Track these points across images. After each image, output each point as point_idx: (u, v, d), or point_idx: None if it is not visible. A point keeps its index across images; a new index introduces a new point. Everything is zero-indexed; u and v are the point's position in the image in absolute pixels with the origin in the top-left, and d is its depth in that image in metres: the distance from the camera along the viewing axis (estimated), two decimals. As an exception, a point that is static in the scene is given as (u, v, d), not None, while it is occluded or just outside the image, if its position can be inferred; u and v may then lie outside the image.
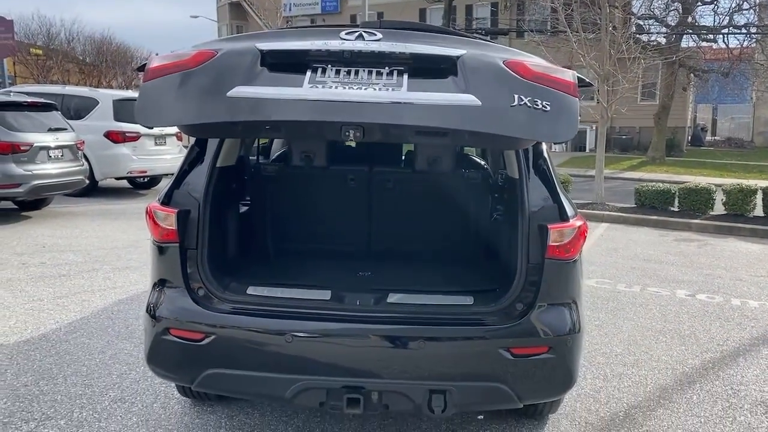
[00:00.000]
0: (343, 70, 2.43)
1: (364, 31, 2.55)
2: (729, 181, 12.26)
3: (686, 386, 4.15)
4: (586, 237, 2.92)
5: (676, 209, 11.83)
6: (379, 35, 2.53)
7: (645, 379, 4.25)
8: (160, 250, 2.84)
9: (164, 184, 3.09)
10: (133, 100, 12.43)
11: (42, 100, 9.86)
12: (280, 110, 2.36)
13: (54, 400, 3.65)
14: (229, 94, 2.38)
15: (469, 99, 2.36)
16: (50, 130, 9.39)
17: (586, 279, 6.96)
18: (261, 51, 2.48)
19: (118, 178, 12.52)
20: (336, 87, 2.36)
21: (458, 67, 2.46)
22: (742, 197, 11.18)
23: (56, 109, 9.99)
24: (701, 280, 7.14)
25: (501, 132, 2.39)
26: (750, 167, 22.12)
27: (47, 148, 9.17)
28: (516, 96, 2.38)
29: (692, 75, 25.29)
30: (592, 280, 7.00)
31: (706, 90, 29.41)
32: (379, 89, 2.35)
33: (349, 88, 2.36)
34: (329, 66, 2.44)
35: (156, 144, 12.23)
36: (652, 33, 22.48)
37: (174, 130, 12.80)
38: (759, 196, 11.22)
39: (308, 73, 2.42)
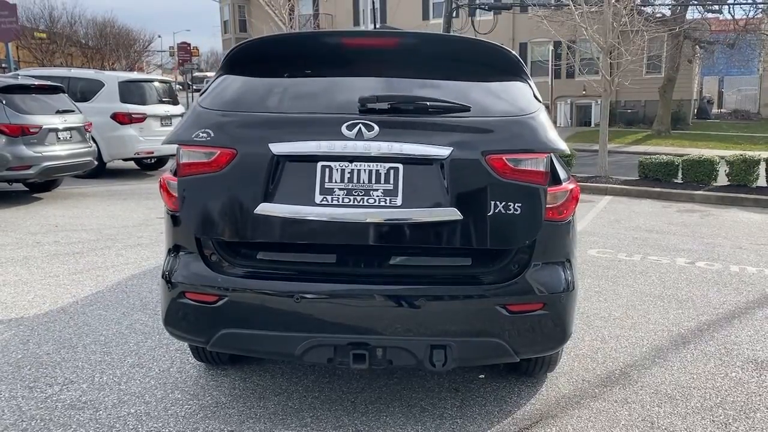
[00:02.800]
0: (347, 171, 2.73)
1: (363, 124, 2.72)
2: (734, 152, 12.32)
3: (681, 346, 4.30)
4: (578, 200, 3.05)
5: (679, 181, 11.92)
6: (376, 129, 2.72)
7: (641, 340, 4.40)
8: (174, 219, 2.99)
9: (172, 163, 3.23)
10: (138, 81, 12.56)
11: (49, 82, 9.99)
12: (298, 230, 2.76)
13: (75, 366, 3.83)
14: (256, 211, 2.75)
15: (451, 213, 2.72)
16: (58, 112, 9.54)
17: (588, 249, 7.13)
18: (275, 155, 2.74)
19: (125, 160, 12.70)
20: (342, 199, 2.71)
21: (444, 170, 2.72)
22: (745, 168, 11.25)
23: (63, 92, 10.13)
24: (702, 248, 7.27)
25: (478, 246, 2.78)
26: (756, 139, 22.11)
27: (56, 130, 9.32)
28: (493, 203, 2.73)
29: (698, 47, 25.16)
30: (594, 249, 7.13)
31: (712, 62, 29.27)
32: (378, 202, 2.72)
33: (353, 201, 2.71)
34: (335, 165, 2.74)
35: (162, 125, 12.37)
36: (656, 4, 22.33)
37: (181, 110, 12.94)
38: (762, 167, 11.29)
39: (317, 178, 2.74)
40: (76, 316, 4.70)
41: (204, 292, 2.88)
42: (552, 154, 2.90)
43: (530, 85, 3.15)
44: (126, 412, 3.31)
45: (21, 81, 9.68)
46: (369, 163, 2.73)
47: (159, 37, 73.20)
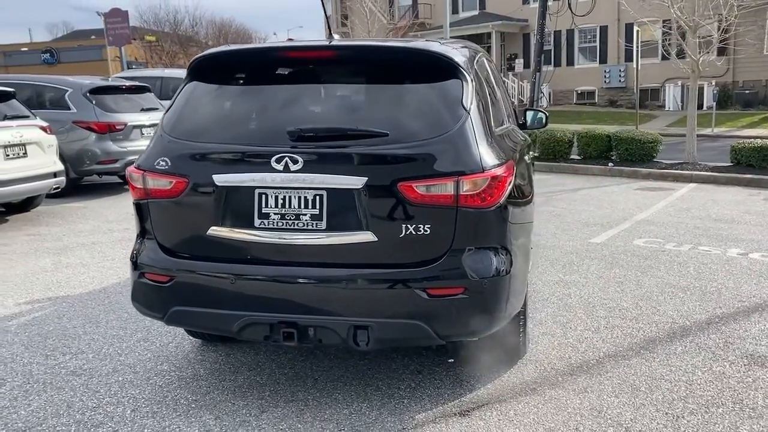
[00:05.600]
0: (280, 198, 3.01)
1: (288, 157, 2.96)
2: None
3: (676, 339, 4.15)
4: (507, 186, 3.07)
5: (777, 167, 11.07)
6: (301, 162, 2.95)
7: (638, 331, 4.29)
8: (137, 207, 3.33)
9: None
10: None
11: (137, 83, 10.89)
12: (242, 249, 3.10)
13: (91, 339, 4.31)
14: (208, 233, 3.11)
15: (367, 236, 2.95)
16: (143, 110, 10.38)
17: (637, 238, 6.89)
18: (220, 186, 3.06)
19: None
20: (276, 223, 3.01)
21: (360, 197, 2.93)
22: None
23: (149, 91, 10.99)
24: (767, 239, 6.82)
25: (391, 261, 2.97)
26: None
27: (141, 127, 10.16)
28: (404, 226, 2.93)
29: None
30: (642, 239, 6.89)
31: None
32: (306, 226, 2.99)
33: (286, 225, 3.01)
34: (270, 192, 3.02)
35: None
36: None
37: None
38: None
39: (255, 204, 3.04)
40: (112, 295, 5.23)
41: (158, 273, 3.20)
42: (477, 144, 2.97)
43: (464, 88, 3.17)
44: (115, 380, 3.71)
45: (112, 82, 10.63)
46: (298, 191, 2.99)
47: (274, 34, 76.09)
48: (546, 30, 25.03)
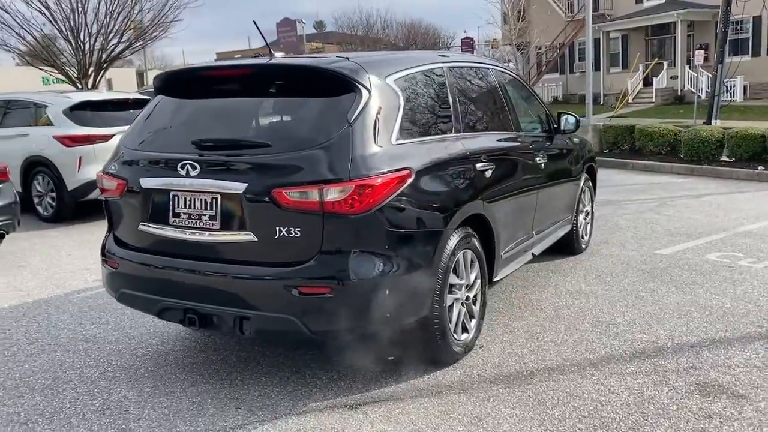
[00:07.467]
0: (188, 199, 3.47)
1: (189, 164, 3.40)
2: None
3: (638, 359, 3.92)
4: (386, 194, 3.22)
5: None
6: (198, 168, 3.38)
7: (604, 347, 4.10)
8: (103, 204, 3.99)
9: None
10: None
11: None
12: (161, 243, 3.60)
13: (121, 313, 5.07)
14: (138, 228, 3.66)
15: (248, 236, 3.31)
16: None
17: (714, 252, 6.32)
18: (144, 188, 3.60)
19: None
20: (185, 221, 3.48)
21: (243, 201, 3.29)
22: None
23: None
24: None
25: (269, 260, 3.31)
26: None
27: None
28: (278, 229, 3.23)
29: None
30: (719, 252, 6.31)
31: None
32: (205, 225, 3.42)
33: (191, 223, 3.47)
34: (180, 194, 3.49)
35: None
36: None
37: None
38: None
39: (171, 204, 3.52)
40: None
41: (112, 260, 3.83)
42: (353, 154, 3.19)
43: (355, 102, 3.37)
44: (109, 348, 4.43)
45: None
46: (200, 194, 3.43)
47: (465, 32, 76.55)
48: (737, 17, 22.70)
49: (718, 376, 3.65)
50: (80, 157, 8.58)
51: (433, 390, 3.62)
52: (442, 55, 4.56)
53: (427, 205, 3.54)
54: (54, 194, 8.85)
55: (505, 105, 4.89)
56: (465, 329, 3.99)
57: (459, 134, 4.07)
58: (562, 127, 5.70)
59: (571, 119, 5.69)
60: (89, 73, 20.61)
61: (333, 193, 3.15)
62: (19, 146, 9.08)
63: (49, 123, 9.02)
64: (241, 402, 3.56)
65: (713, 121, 18.15)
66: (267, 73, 3.74)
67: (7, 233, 6.91)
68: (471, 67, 4.66)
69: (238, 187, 3.29)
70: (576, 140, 6.32)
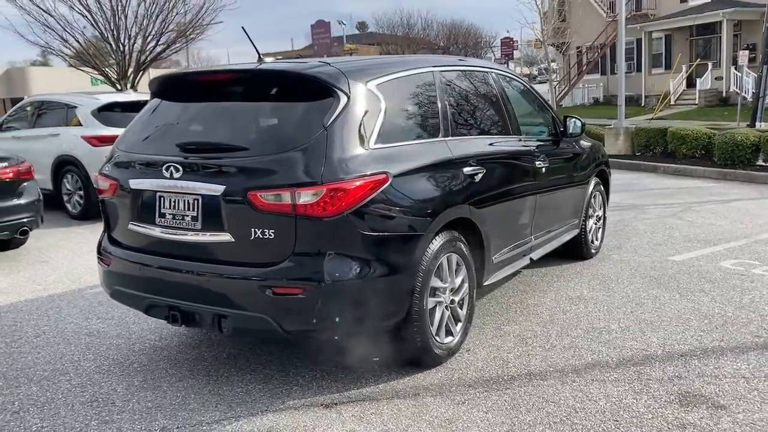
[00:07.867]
0: (172, 200, 3.57)
1: (173, 166, 3.51)
2: None
3: (623, 367, 3.87)
4: (360, 197, 3.27)
5: None
6: (181, 170, 3.49)
7: (591, 353, 4.07)
8: (100, 203, 4.14)
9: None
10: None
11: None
12: (148, 242, 3.74)
13: (128, 309, 5.24)
14: (128, 227, 3.80)
15: (226, 236, 3.41)
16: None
17: (729, 259, 6.17)
18: (133, 189, 3.73)
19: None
20: (170, 221, 3.59)
21: (221, 202, 3.38)
22: None
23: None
24: None
25: (245, 260, 3.38)
26: None
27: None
28: (253, 230, 3.32)
29: None
30: (735, 260, 6.16)
31: None
32: (188, 225, 3.53)
33: (175, 223, 3.57)
34: (166, 195, 3.60)
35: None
36: None
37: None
38: None
39: (157, 204, 3.63)
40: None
41: (106, 257, 3.97)
42: (327, 158, 3.25)
43: (333, 106, 3.44)
44: (109, 342, 4.58)
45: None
46: (183, 195, 3.54)
47: (507, 32, 75.81)
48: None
49: (702, 386, 3.59)
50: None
51: (410, 392, 3.65)
52: (445, 61, 4.62)
53: (405, 209, 3.56)
54: (81, 192, 9.16)
55: (504, 109, 4.87)
56: (449, 333, 4.00)
57: (446, 138, 4.07)
58: (569, 131, 5.66)
59: (578, 123, 5.65)
60: (128, 74, 21.19)
61: (306, 196, 3.21)
62: (50, 146, 9.44)
63: (79, 124, 9.34)
64: (222, 398, 3.66)
65: (758, 124, 17.59)
66: (250, 78, 3.83)
67: (31, 230, 7.20)
68: (465, 72, 4.66)
69: (217, 189, 3.38)
70: (586, 144, 6.26)
